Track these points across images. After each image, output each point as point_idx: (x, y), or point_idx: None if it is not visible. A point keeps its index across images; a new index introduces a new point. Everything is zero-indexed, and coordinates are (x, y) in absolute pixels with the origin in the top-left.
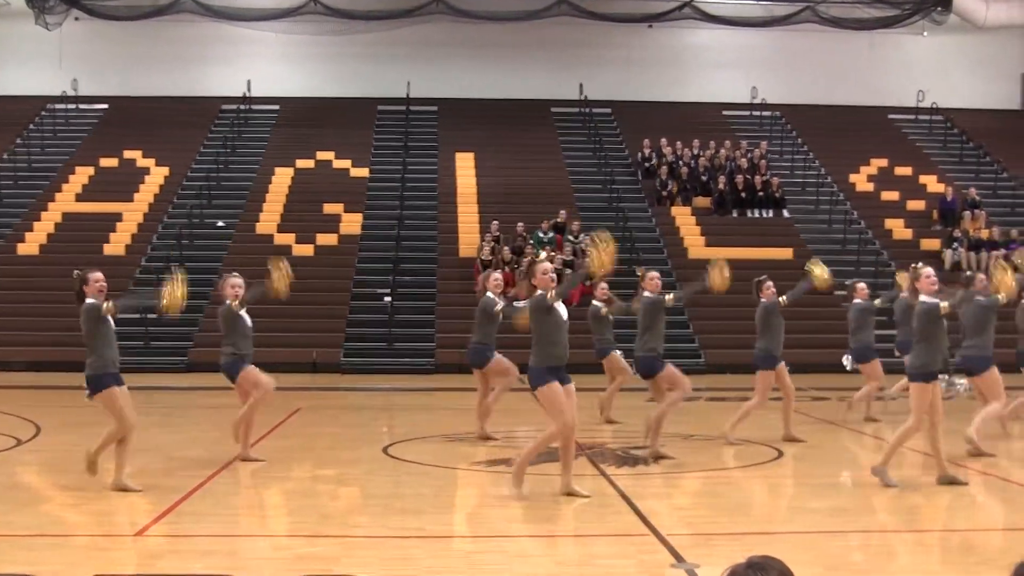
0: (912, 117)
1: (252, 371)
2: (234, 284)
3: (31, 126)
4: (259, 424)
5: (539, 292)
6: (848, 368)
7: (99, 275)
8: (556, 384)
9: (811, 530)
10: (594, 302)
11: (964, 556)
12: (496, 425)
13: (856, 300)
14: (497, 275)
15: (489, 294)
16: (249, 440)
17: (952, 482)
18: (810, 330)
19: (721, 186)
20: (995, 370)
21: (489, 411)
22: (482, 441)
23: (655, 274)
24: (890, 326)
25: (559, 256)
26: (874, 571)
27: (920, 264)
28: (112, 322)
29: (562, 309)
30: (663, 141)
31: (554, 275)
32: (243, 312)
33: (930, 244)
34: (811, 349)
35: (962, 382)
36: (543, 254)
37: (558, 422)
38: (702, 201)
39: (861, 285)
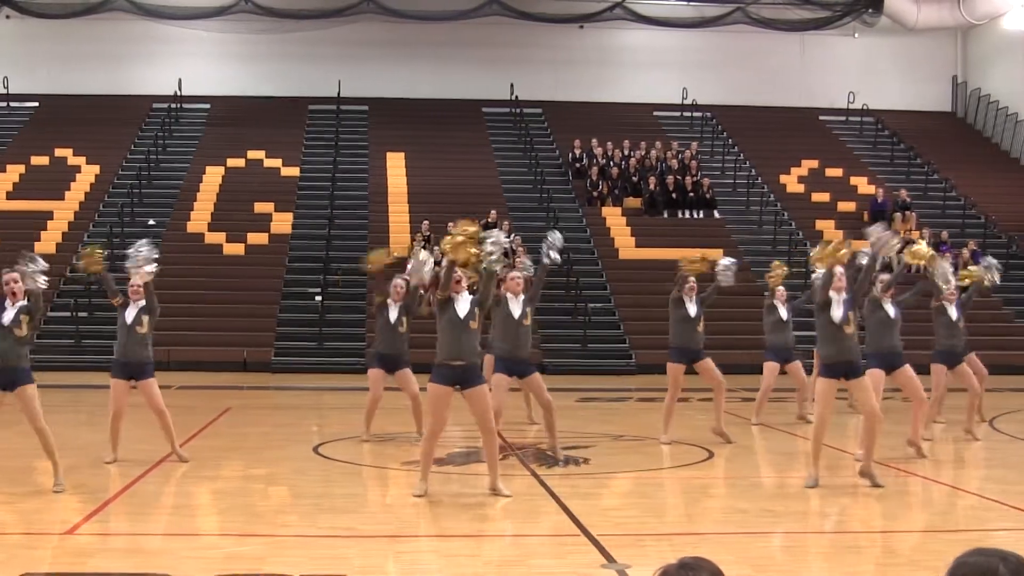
0: (843, 118)
1: None
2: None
3: None
4: (189, 423)
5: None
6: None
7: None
8: (434, 386)
9: (740, 531)
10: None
11: (889, 557)
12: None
13: (776, 302)
14: (399, 282)
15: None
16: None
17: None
18: (733, 331)
19: (652, 187)
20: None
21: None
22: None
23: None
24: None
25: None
26: (802, 571)
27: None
28: None
29: (462, 308)
30: (594, 141)
31: (460, 276)
32: None
33: (861, 246)
34: (737, 350)
35: None
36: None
37: (428, 422)
38: (633, 202)
39: (780, 289)
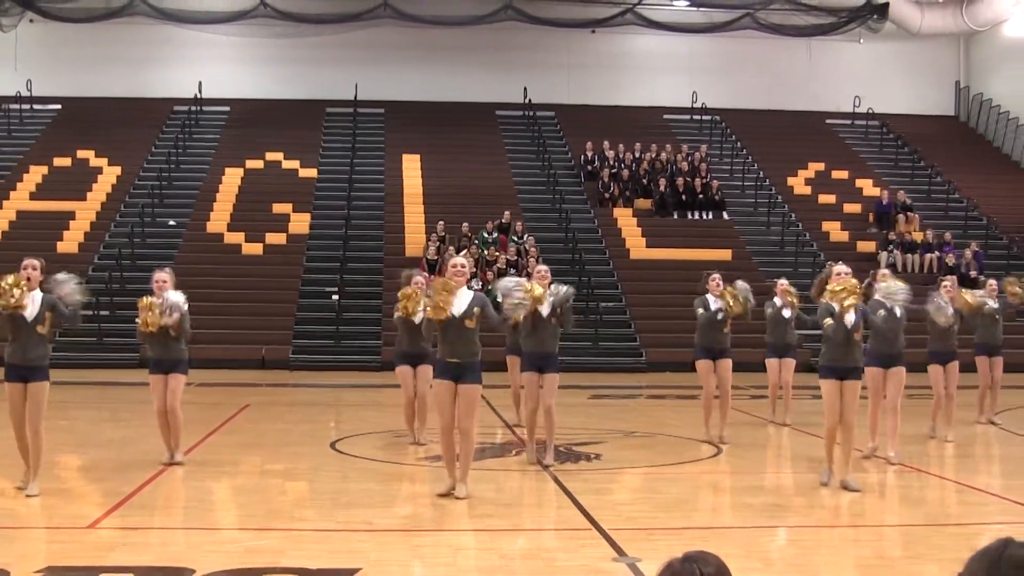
0: (849, 122)
1: None
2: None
3: None
4: (209, 420)
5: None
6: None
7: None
8: (437, 381)
9: (747, 525)
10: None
11: (896, 550)
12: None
13: (776, 299)
14: (419, 279)
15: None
16: None
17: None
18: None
19: (662, 188)
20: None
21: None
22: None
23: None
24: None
25: (503, 255)
26: (809, 565)
27: (832, 263)
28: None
29: (459, 306)
30: (605, 144)
31: (461, 269)
32: None
33: (866, 246)
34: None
35: None
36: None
37: (436, 419)
38: (643, 203)
39: (783, 282)
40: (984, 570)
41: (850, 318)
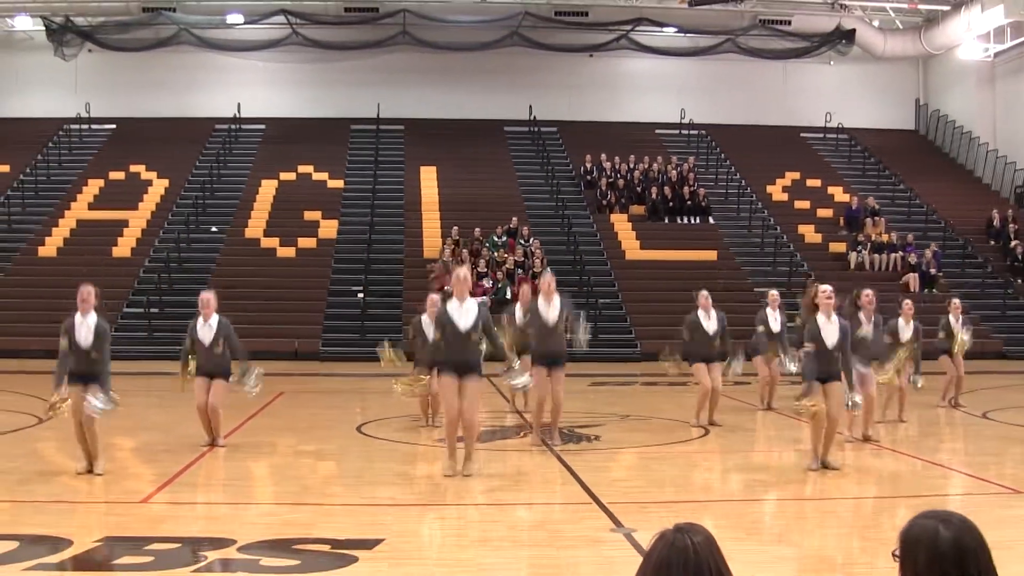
0: (821, 136)
1: None
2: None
3: (49, 144)
4: (247, 406)
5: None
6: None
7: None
8: (444, 378)
9: (733, 499)
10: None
11: (864, 520)
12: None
13: (768, 310)
14: (434, 297)
15: (424, 316)
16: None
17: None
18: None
19: (654, 196)
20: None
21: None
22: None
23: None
24: None
25: (511, 257)
26: (788, 533)
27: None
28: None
29: (464, 320)
30: (603, 156)
31: (466, 280)
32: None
33: (837, 247)
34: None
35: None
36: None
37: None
38: (637, 209)
39: (774, 294)
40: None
41: (831, 338)
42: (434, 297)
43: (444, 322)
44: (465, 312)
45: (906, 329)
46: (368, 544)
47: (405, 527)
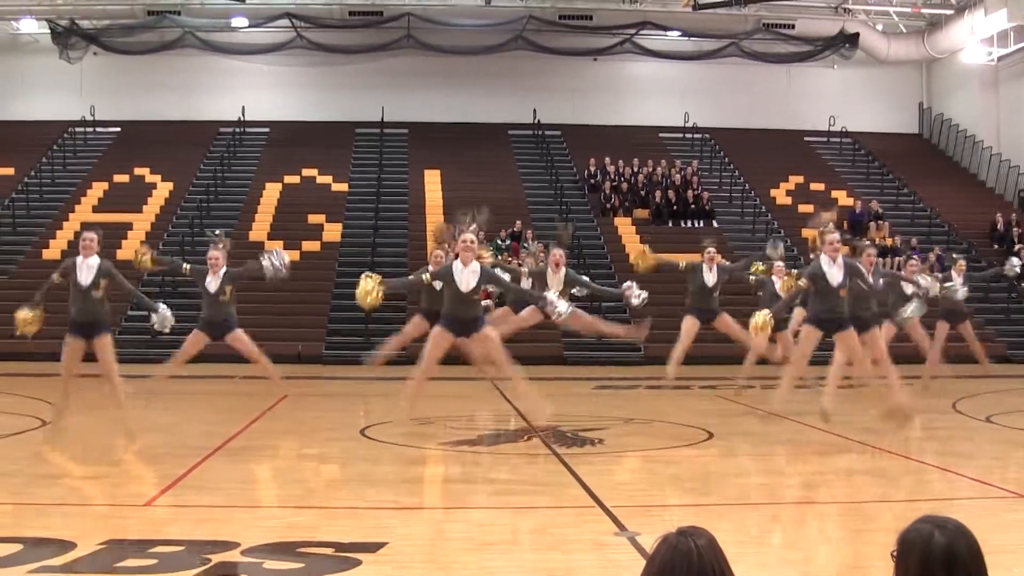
0: (824, 139)
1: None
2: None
3: (54, 147)
4: (250, 409)
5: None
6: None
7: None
8: (440, 331)
9: (736, 502)
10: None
11: (868, 524)
12: (458, 410)
13: (773, 278)
14: (440, 253)
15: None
16: None
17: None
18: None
19: (658, 199)
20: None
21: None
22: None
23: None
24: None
25: (515, 261)
26: (792, 538)
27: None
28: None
29: (465, 283)
30: (607, 159)
31: (471, 244)
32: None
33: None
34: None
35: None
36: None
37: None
38: (641, 213)
39: (779, 265)
40: (916, 563)
41: (836, 277)
42: (439, 253)
43: (447, 280)
44: (469, 274)
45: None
46: (372, 547)
47: (409, 530)
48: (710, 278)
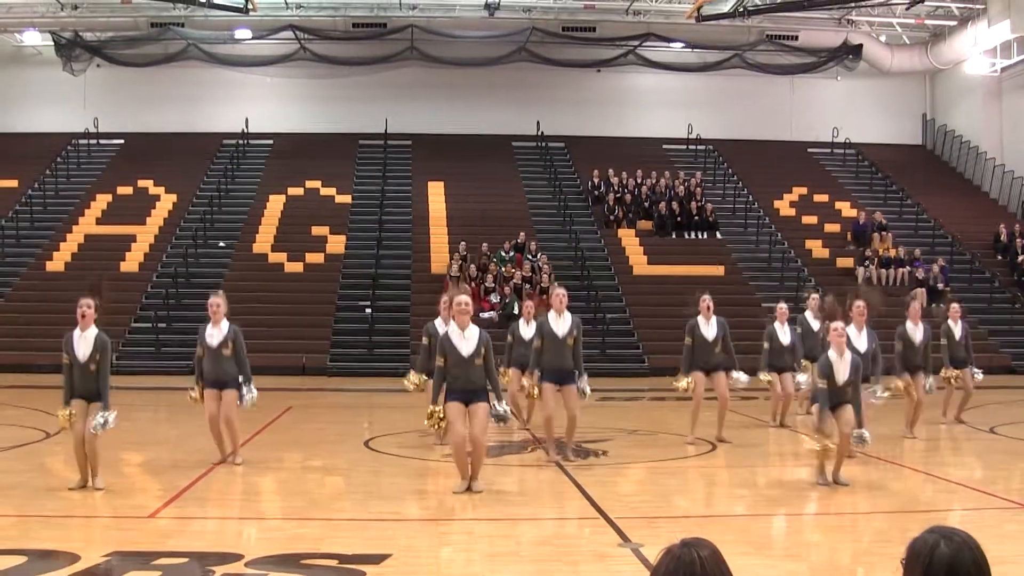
0: (828, 151)
1: None
2: None
3: (58, 159)
4: (255, 421)
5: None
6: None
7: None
8: (451, 404)
9: (740, 514)
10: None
11: (873, 535)
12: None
13: (776, 323)
14: (446, 299)
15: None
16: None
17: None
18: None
19: (661, 211)
20: None
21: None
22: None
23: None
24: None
25: (519, 272)
26: (796, 549)
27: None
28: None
29: (466, 347)
30: (610, 171)
31: (466, 307)
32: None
33: (845, 262)
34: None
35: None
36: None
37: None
38: (645, 224)
39: (783, 308)
40: (920, 572)
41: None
42: (446, 299)
43: (447, 350)
44: (467, 339)
45: (916, 331)
46: (375, 559)
47: (413, 542)
48: (709, 331)
